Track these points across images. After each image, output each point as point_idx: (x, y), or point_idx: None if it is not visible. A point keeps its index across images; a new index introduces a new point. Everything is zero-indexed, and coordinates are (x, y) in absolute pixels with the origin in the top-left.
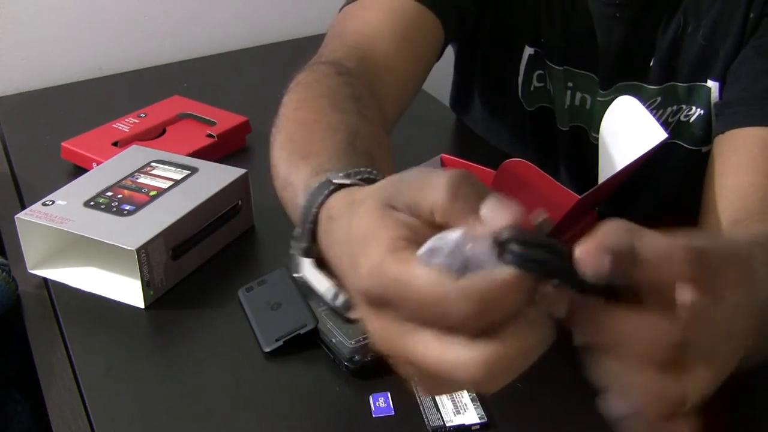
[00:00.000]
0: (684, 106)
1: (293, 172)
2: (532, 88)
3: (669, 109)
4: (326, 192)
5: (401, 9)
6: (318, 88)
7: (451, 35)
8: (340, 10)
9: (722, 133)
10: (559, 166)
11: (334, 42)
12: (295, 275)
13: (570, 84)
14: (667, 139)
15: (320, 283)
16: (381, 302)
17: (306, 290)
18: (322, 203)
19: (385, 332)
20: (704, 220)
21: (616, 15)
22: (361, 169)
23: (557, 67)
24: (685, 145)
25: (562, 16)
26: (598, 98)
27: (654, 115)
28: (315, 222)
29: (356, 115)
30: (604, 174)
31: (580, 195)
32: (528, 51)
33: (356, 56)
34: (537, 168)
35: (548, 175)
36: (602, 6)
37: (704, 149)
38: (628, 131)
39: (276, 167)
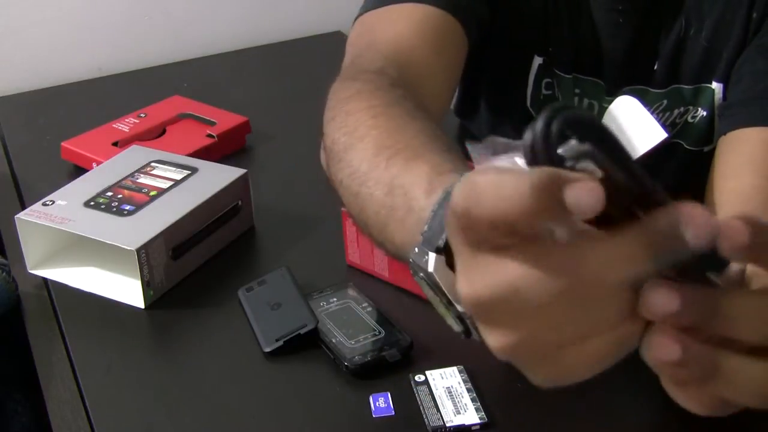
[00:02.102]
0: (690, 108)
1: (402, 174)
2: (541, 97)
3: (676, 111)
4: None
5: (430, 19)
6: (385, 97)
7: (471, 43)
8: (356, 19)
9: (724, 134)
10: None
11: (369, 53)
12: (419, 276)
13: (577, 91)
14: (667, 138)
15: (450, 282)
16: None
17: (433, 290)
18: None
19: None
20: None
21: (620, 20)
22: None
23: (565, 76)
24: (685, 145)
25: (569, 24)
26: (605, 104)
27: (654, 115)
28: None
29: (434, 123)
30: None
31: None
32: (537, 61)
33: (396, 67)
34: None
35: None
36: (606, 12)
37: (706, 149)
38: (628, 131)
39: (367, 173)
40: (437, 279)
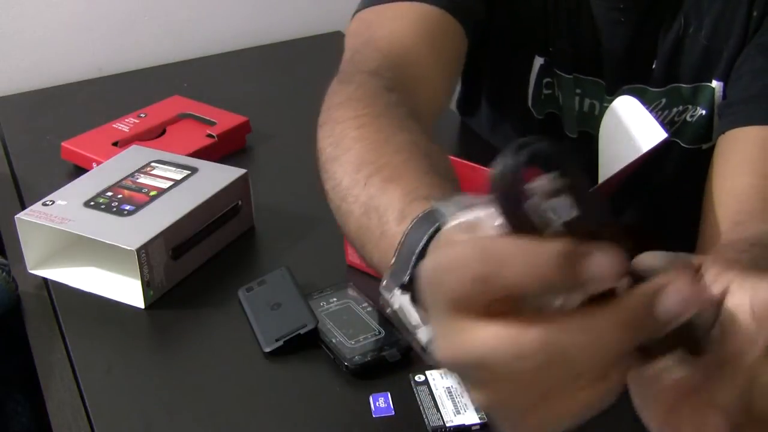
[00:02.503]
0: (690, 107)
1: (379, 195)
2: (542, 97)
3: (675, 110)
4: (437, 224)
5: (428, 17)
6: (375, 105)
7: (470, 42)
8: (354, 15)
9: (723, 133)
10: None
11: (366, 50)
12: (387, 311)
13: (578, 91)
14: (667, 138)
15: (416, 320)
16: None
17: (399, 327)
18: (432, 236)
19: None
20: (705, 222)
21: (620, 19)
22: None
23: (566, 76)
24: (682, 144)
25: (569, 23)
26: (605, 104)
27: (654, 115)
28: (422, 255)
29: (423, 136)
30: (604, 174)
31: None
32: (538, 61)
33: (392, 67)
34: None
35: None
36: (607, 11)
37: (705, 146)
38: (628, 131)
39: (348, 189)
40: (401, 316)
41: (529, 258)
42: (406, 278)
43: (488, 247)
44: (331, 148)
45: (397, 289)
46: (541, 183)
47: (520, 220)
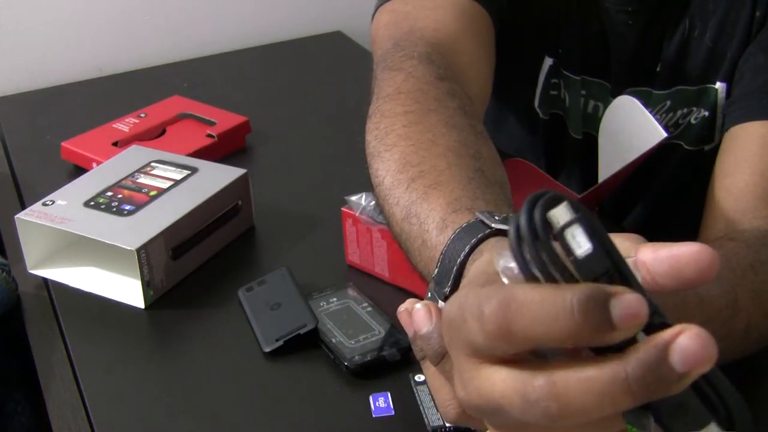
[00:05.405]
0: (695, 108)
1: (420, 202)
2: (548, 98)
3: (680, 112)
4: (480, 235)
5: (465, 8)
6: (425, 100)
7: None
8: (378, 7)
9: (726, 131)
10: (569, 173)
11: (412, 38)
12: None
13: (583, 92)
14: (666, 138)
15: None
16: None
17: None
18: (475, 246)
19: None
20: (704, 220)
21: (628, 22)
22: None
23: (574, 77)
24: (685, 145)
25: (579, 25)
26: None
27: (654, 115)
28: (463, 266)
29: (472, 133)
30: (604, 173)
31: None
32: (548, 62)
33: (441, 55)
34: (535, 167)
35: (547, 175)
36: (616, 13)
37: (706, 148)
38: (628, 131)
39: (389, 190)
40: None
41: (551, 312)
42: (447, 290)
43: (509, 300)
44: (376, 142)
45: (441, 302)
46: (561, 214)
47: (540, 276)
